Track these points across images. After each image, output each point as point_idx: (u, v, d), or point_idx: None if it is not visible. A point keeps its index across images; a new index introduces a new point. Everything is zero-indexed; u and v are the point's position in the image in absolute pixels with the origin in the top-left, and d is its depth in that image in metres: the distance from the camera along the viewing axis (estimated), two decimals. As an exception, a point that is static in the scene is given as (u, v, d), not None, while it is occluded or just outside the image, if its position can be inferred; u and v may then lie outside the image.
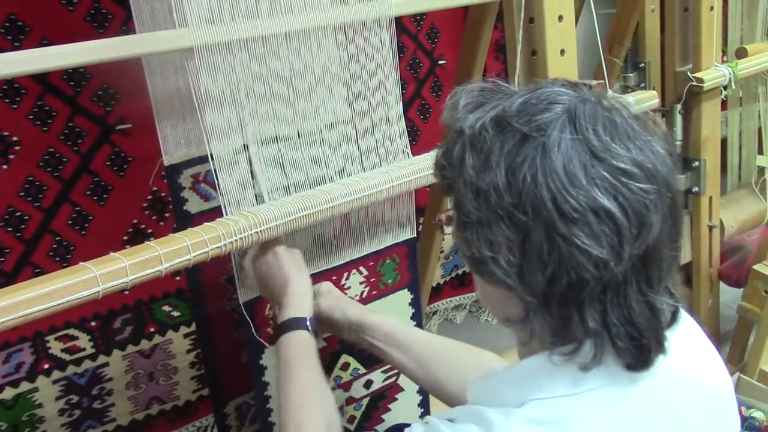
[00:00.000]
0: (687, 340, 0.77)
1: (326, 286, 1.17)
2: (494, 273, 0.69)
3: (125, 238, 1.50)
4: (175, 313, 1.60)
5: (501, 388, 0.75)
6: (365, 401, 1.35)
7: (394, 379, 1.37)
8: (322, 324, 1.13)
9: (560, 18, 1.37)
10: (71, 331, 1.48)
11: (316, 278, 1.24)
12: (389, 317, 1.14)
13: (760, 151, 2.10)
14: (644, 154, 0.66)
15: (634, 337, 0.68)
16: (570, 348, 0.69)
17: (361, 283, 1.27)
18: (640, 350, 0.69)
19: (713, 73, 1.82)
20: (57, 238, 1.42)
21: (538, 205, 0.64)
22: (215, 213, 1.06)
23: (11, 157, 1.34)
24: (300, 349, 0.99)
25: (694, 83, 1.80)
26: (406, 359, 1.08)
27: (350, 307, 1.13)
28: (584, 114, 0.67)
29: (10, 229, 1.37)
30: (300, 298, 1.04)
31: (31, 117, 1.35)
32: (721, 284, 2.09)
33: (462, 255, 0.75)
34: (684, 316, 0.76)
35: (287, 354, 0.99)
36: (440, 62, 2.02)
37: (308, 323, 1.02)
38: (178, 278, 1.56)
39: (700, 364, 0.79)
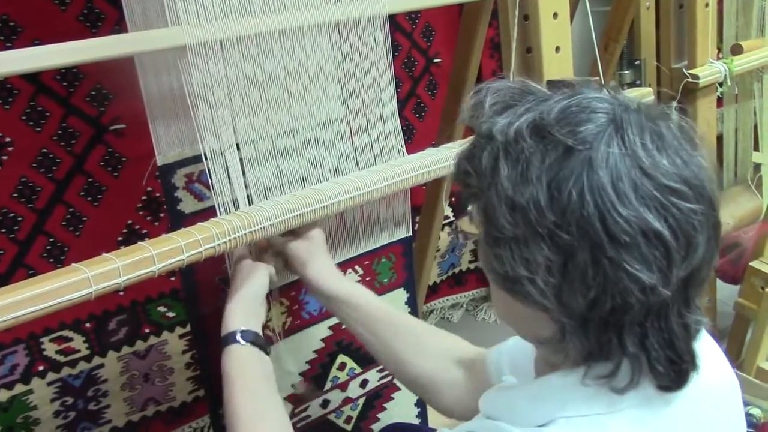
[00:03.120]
0: (704, 349, 0.74)
1: (315, 231, 1.11)
2: (530, 294, 0.64)
3: (120, 238, 1.49)
4: (171, 314, 1.59)
5: (523, 405, 0.72)
6: (361, 401, 1.35)
7: (390, 378, 1.37)
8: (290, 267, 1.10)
9: (555, 15, 1.36)
10: (66, 333, 1.47)
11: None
12: (354, 285, 1.10)
13: (756, 148, 2.10)
14: (690, 169, 0.63)
15: (674, 361, 0.66)
16: (606, 371, 0.66)
17: (356, 282, 1.27)
18: (678, 374, 0.67)
19: (709, 69, 1.81)
20: (51, 239, 1.41)
21: (585, 225, 0.60)
22: (209, 213, 1.05)
23: (4, 158, 1.33)
24: (236, 364, 0.96)
25: (690, 80, 1.80)
26: (368, 334, 1.05)
27: (315, 264, 1.08)
28: (631, 125, 0.63)
29: (3, 230, 1.36)
30: (232, 311, 1.00)
31: (24, 117, 1.34)
32: (718, 281, 2.09)
33: (491, 272, 0.69)
34: None
35: (224, 371, 0.96)
36: (435, 60, 2.02)
37: (238, 336, 0.97)
38: (173, 278, 1.56)
39: (717, 372, 0.78)
